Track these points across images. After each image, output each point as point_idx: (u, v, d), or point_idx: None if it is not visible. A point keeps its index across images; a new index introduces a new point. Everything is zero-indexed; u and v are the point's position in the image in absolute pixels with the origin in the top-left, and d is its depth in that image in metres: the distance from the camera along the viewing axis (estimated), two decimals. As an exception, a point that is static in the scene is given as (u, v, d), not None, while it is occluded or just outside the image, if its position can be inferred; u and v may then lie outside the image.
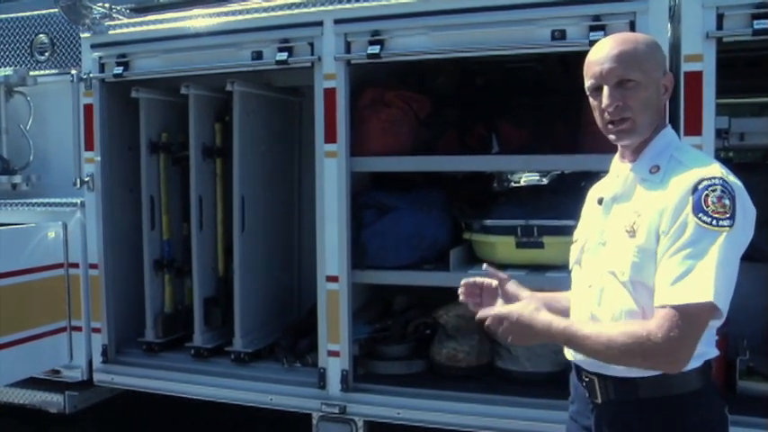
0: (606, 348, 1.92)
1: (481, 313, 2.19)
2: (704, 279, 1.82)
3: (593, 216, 2.20)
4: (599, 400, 2.11)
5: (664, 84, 2.06)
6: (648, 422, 2.01)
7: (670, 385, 1.97)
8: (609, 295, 2.07)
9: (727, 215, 1.84)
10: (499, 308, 2.18)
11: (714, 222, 1.84)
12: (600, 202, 2.17)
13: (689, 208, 1.87)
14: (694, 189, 1.88)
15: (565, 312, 2.26)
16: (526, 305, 2.14)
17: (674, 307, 1.85)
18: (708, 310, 1.84)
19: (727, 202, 1.85)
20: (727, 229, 1.84)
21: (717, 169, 1.93)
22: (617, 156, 2.18)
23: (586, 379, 2.16)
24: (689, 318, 1.84)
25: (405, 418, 3.81)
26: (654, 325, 1.87)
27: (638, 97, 2.00)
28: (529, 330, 2.07)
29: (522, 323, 2.08)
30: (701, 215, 1.85)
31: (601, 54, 2.04)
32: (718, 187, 1.87)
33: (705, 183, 1.88)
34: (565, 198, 3.86)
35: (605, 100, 2.02)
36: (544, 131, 4.06)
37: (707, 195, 1.86)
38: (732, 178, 1.93)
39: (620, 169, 2.15)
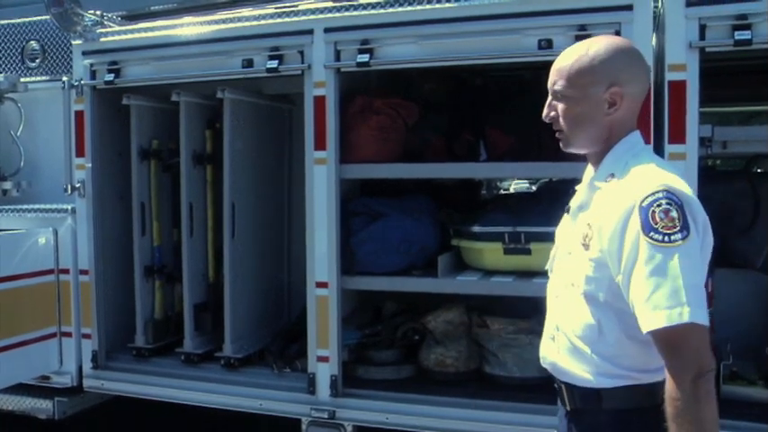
0: (683, 425, 1.77)
1: None
2: (675, 300, 1.77)
3: (564, 224, 2.22)
4: (568, 408, 2.14)
5: (607, 99, 1.99)
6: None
7: (634, 399, 1.97)
8: (570, 307, 2.07)
9: (677, 228, 1.80)
10: None
11: (667, 239, 1.79)
12: (567, 210, 2.19)
13: (638, 228, 1.83)
14: (639, 207, 1.84)
15: None
16: None
17: (660, 332, 1.79)
18: (691, 326, 1.77)
19: (674, 214, 1.81)
20: (680, 242, 1.79)
21: (659, 181, 1.87)
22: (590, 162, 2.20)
23: (557, 386, 2.18)
24: (680, 338, 1.78)
25: (394, 423, 3.83)
26: (668, 376, 1.79)
27: (567, 112, 2.03)
28: None
29: None
30: (651, 234, 1.81)
31: (554, 63, 2.09)
32: (663, 201, 1.82)
33: (649, 199, 1.83)
34: (552, 205, 3.90)
35: (544, 109, 2.10)
36: (531, 139, 4.10)
37: (653, 212, 1.82)
38: (678, 186, 1.87)
39: (587, 177, 2.16)
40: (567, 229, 2.17)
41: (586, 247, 1.98)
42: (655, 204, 1.82)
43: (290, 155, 5.03)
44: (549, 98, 2.07)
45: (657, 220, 1.81)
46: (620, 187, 1.94)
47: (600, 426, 2.03)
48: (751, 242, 3.71)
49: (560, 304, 2.12)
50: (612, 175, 2.00)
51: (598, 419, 2.03)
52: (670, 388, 1.79)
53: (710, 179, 3.28)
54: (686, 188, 1.89)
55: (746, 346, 3.84)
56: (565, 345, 2.10)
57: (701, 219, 1.88)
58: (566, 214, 2.20)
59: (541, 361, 2.25)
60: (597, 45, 2.05)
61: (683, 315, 1.76)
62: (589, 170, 2.18)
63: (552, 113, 2.06)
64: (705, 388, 1.77)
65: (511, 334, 4.00)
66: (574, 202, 2.17)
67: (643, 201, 1.84)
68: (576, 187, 2.27)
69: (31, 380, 4.48)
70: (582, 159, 2.28)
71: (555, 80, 2.04)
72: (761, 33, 3.11)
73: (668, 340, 1.79)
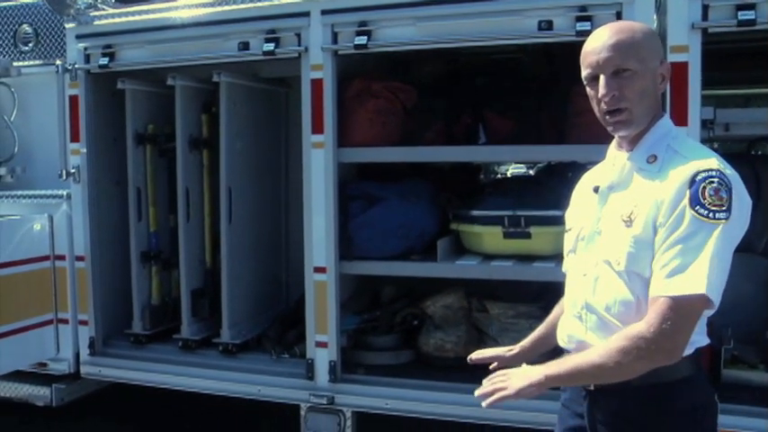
0: (607, 359, 1.94)
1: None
2: (699, 271, 1.84)
3: (589, 204, 2.21)
4: (592, 387, 2.13)
5: (661, 73, 2.06)
6: (640, 408, 2.03)
7: (662, 372, 1.99)
8: (603, 284, 2.09)
9: (724, 207, 1.87)
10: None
11: (711, 215, 1.86)
12: (596, 190, 2.18)
13: (686, 200, 1.89)
14: (692, 181, 1.90)
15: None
16: (517, 369, 2.14)
17: (668, 298, 1.87)
18: (701, 301, 1.87)
19: (723, 194, 1.87)
20: (724, 221, 1.86)
21: (714, 161, 1.94)
22: (614, 144, 2.19)
23: None
24: (682, 309, 1.87)
25: (393, 409, 3.82)
26: (644, 322, 1.91)
27: (634, 87, 2.00)
28: (529, 387, 2.04)
29: (517, 380, 2.06)
30: (697, 208, 1.87)
31: (597, 43, 2.04)
32: (716, 179, 1.88)
33: (702, 175, 1.90)
34: (551, 188, 3.87)
35: (602, 89, 2.02)
36: (530, 122, 4.07)
37: (704, 188, 1.88)
38: (729, 170, 1.94)
39: (616, 158, 2.15)
40: (593, 210, 2.17)
41: (629, 224, 2.01)
42: (707, 181, 1.89)
43: (287, 139, 4.99)
44: (604, 78, 2.01)
45: (706, 195, 1.88)
46: (671, 168, 1.98)
47: (627, 401, 2.04)
48: (752, 226, 3.68)
49: (589, 283, 2.13)
50: (655, 157, 2.04)
51: (625, 396, 2.05)
52: (639, 329, 1.90)
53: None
54: (736, 174, 1.95)
55: (747, 330, 3.83)
56: (594, 322, 2.11)
57: (745, 205, 1.95)
58: (592, 194, 2.19)
59: (566, 341, 2.25)
60: (639, 24, 2.13)
61: (700, 286, 1.84)
62: (614, 151, 2.18)
63: (614, 92, 2.01)
64: (658, 361, 1.92)
65: (511, 318, 3.99)
66: (602, 183, 2.17)
67: (696, 175, 1.91)
68: (595, 168, 2.28)
69: (28, 367, 4.45)
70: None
71: (611, 55, 2.00)
72: (765, 13, 3.07)
73: (675, 308, 1.87)
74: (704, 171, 1.90)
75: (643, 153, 2.07)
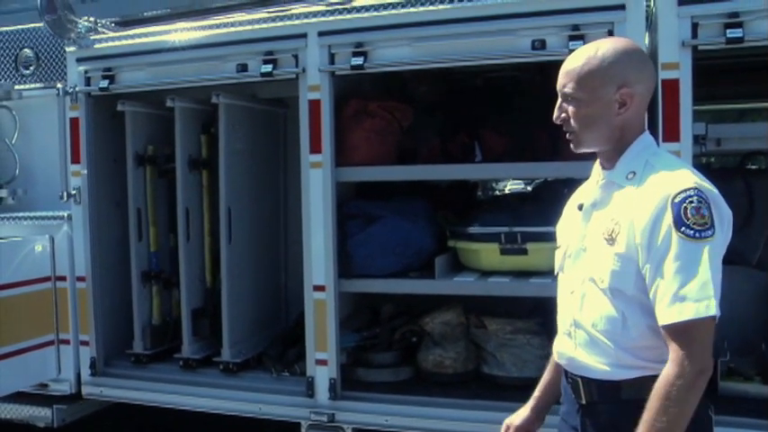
0: (669, 421, 1.86)
1: None
2: (704, 292, 1.84)
3: (575, 222, 2.23)
4: (583, 401, 2.15)
5: (618, 100, 2.05)
6: (632, 421, 2.00)
7: (651, 387, 1.97)
8: (589, 301, 2.11)
9: (708, 225, 1.88)
10: None
11: (698, 234, 1.87)
12: (580, 207, 2.21)
13: (670, 223, 1.89)
14: (672, 203, 1.90)
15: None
16: None
17: (680, 326, 1.86)
18: (711, 321, 1.86)
19: (705, 212, 1.88)
20: (711, 238, 1.87)
21: (690, 179, 1.95)
22: (598, 161, 2.22)
23: (571, 381, 2.20)
24: (698, 331, 1.86)
25: (393, 425, 3.83)
26: (671, 363, 1.87)
27: (578, 113, 2.07)
28: None
29: None
30: (683, 229, 1.87)
31: (563, 66, 2.12)
32: (695, 198, 1.89)
33: (681, 195, 1.90)
34: (548, 205, 3.91)
35: (555, 111, 2.12)
36: (526, 139, 4.11)
37: (685, 208, 1.88)
38: (706, 185, 1.95)
39: (600, 175, 2.18)
40: (578, 227, 2.20)
41: (611, 242, 2.03)
42: (687, 201, 1.90)
43: (286, 159, 5.03)
44: (559, 100, 2.10)
45: (689, 216, 1.88)
46: (648, 183, 2.00)
47: (617, 416, 2.05)
48: (746, 239, 3.72)
49: (576, 300, 2.16)
50: (633, 173, 2.06)
51: (616, 411, 2.07)
52: (671, 373, 1.86)
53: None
54: (713, 187, 1.96)
55: (743, 342, 3.85)
56: (583, 339, 2.13)
57: (725, 217, 1.96)
58: (577, 212, 2.22)
59: (557, 357, 2.28)
60: (605, 47, 2.09)
61: (709, 308, 1.84)
62: (598, 169, 2.21)
63: (563, 115, 2.10)
64: (702, 384, 1.88)
65: (508, 334, 4.01)
66: (586, 200, 2.20)
67: (675, 197, 1.91)
68: (582, 186, 2.31)
69: (29, 388, 4.46)
70: (579, 159, 2.29)
71: (564, 83, 2.08)
72: (752, 31, 3.13)
73: (689, 331, 1.86)
74: (683, 191, 1.91)
75: (622, 170, 2.09)
